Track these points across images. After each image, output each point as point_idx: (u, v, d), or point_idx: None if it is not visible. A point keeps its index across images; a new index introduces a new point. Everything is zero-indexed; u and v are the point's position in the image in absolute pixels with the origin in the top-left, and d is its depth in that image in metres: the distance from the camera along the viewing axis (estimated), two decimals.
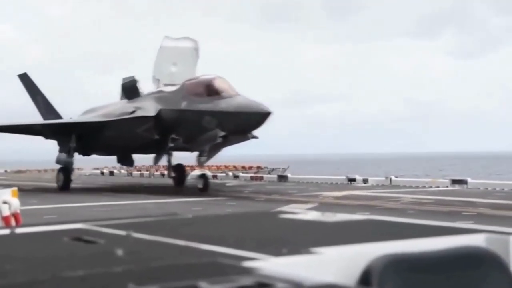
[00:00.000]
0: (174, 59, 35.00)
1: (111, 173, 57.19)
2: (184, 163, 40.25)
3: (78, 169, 68.19)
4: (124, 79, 42.55)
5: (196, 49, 35.60)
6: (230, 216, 4.42)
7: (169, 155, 38.26)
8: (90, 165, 70.60)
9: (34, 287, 1.96)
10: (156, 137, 32.82)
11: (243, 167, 56.17)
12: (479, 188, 31.11)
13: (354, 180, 36.81)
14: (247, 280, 1.85)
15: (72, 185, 35.83)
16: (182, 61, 35.03)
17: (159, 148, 34.50)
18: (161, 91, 34.01)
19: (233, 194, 30.39)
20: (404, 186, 33.47)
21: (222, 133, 30.03)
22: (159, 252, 2.64)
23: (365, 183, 36.11)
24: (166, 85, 34.19)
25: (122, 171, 58.48)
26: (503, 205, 22.63)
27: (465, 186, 32.32)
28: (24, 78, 47.45)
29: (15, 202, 12.93)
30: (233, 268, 2.11)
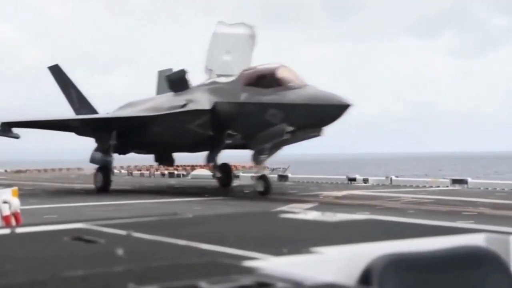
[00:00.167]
0: (228, 47, 31.40)
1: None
2: (180, 162, 40.27)
3: (78, 169, 68.62)
4: (161, 71, 40.29)
5: (252, 36, 31.64)
6: (230, 216, 4.42)
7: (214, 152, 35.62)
8: (90, 166, 70.59)
9: (34, 287, 1.95)
10: (210, 133, 30.08)
11: (243, 167, 56.14)
12: (479, 188, 31.11)
13: (354, 179, 36.80)
14: (248, 280, 1.85)
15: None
16: (236, 50, 31.36)
17: (213, 146, 31.62)
18: (215, 82, 30.92)
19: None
20: (405, 186, 33.46)
21: (290, 128, 27.07)
22: (160, 252, 2.64)
23: (365, 183, 36.10)
24: (219, 75, 31.07)
25: (122, 171, 58.50)
26: (503, 205, 22.62)
27: (465, 186, 32.32)
28: (55, 70, 44.37)
29: (15, 202, 12.94)
30: (234, 268, 2.11)
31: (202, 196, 28.43)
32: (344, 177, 37.54)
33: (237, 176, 45.40)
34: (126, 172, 57.62)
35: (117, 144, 33.38)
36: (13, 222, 12.48)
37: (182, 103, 31.10)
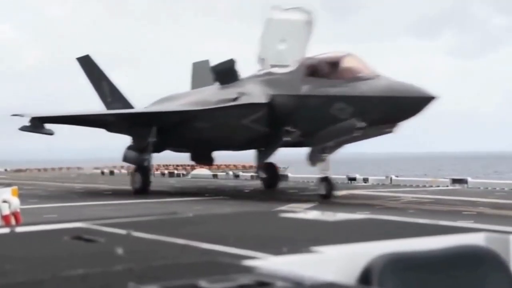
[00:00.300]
0: (283, 34, 27.70)
1: (111, 172, 57.22)
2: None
3: (78, 168, 68.66)
4: (195, 63, 38.13)
5: (309, 23, 27.80)
6: (230, 215, 4.42)
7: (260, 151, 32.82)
8: (90, 165, 70.70)
9: (34, 287, 1.96)
10: (266, 129, 27.35)
11: (243, 166, 56.15)
12: (479, 188, 31.12)
13: (354, 179, 36.81)
14: (247, 279, 1.85)
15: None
16: (292, 37, 27.62)
17: (268, 143, 28.58)
18: (270, 73, 27.86)
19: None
20: (405, 186, 33.47)
21: (361, 124, 24.28)
22: (159, 251, 2.64)
23: (365, 182, 36.12)
24: (272, 66, 27.85)
25: (123, 170, 58.49)
26: (503, 204, 22.64)
27: (465, 185, 32.33)
28: (85, 61, 40.96)
29: (15, 201, 12.95)
30: (233, 267, 2.11)
31: (202, 196, 28.44)
32: (344, 176, 37.53)
33: (237, 176, 45.46)
34: (126, 172, 57.64)
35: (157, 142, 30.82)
36: (13, 221, 12.48)
37: (233, 96, 28.46)
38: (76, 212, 21.18)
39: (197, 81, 36.56)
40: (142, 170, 30.92)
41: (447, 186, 32.90)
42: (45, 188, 35.73)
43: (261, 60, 28.01)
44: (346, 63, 25.47)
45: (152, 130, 30.35)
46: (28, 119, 30.57)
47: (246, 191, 32.61)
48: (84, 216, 11.31)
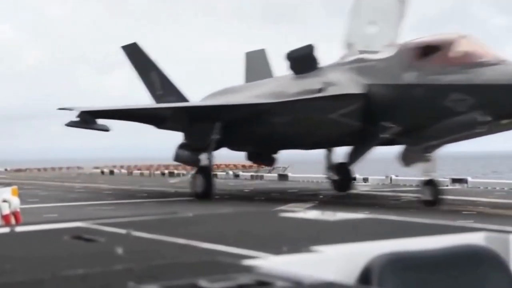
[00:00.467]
0: (373, 16, 24.51)
1: (111, 172, 57.25)
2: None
3: (78, 168, 68.69)
4: (249, 53, 35.61)
5: (403, 2, 24.46)
6: (229, 215, 4.42)
7: (331, 150, 30.10)
8: (90, 164, 70.72)
9: (34, 286, 1.95)
10: (359, 124, 23.67)
11: (244, 166, 56.15)
12: (479, 187, 31.14)
13: (354, 179, 36.76)
14: (247, 278, 1.85)
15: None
16: (384, 19, 24.39)
17: (361, 141, 25.21)
18: (361, 60, 24.32)
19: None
20: (404, 185, 33.47)
21: (486, 118, 20.47)
22: (159, 251, 2.64)
23: (365, 182, 36.10)
24: (361, 51, 24.50)
25: (123, 170, 58.54)
26: (503, 204, 22.66)
27: (465, 185, 32.33)
28: (132, 50, 36.79)
29: (15, 201, 12.96)
30: (233, 266, 2.11)
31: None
32: None
33: (237, 175, 45.46)
34: (126, 172, 57.68)
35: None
36: (13, 221, 12.49)
37: (316, 86, 24.74)
38: (76, 211, 21.19)
39: (252, 72, 33.67)
40: (205, 172, 27.51)
41: (447, 185, 32.87)
42: (45, 187, 35.73)
43: (348, 45, 24.95)
44: (461, 46, 21.40)
45: (215, 126, 27.12)
46: (77, 113, 27.29)
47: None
48: (84, 216, 11.31)
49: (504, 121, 20.88)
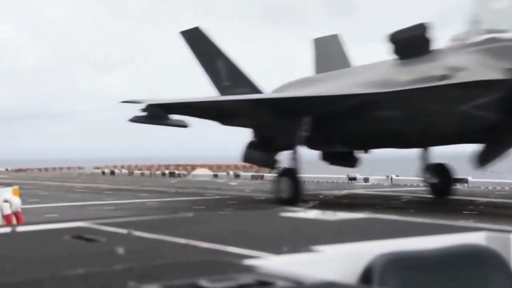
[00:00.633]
0: None
1: (112, 172, 57.28)
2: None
3: (79, 168, 68.72)
4: (317, 39, 31.88)
5: None
6: (230, 215, 4.42)
7: (427, 149, 26.79)
8: (90, 164, 70.76)
9: (35, 286, 1.95)
10: (496, 116, 20.00)
11: (244, 166, 56.19)
12: (479, 187, 31.13)
13: (354, 179, 36.81)
14: (248, 278, 1.85)
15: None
16: None
17: (499, 137, 20.99)
18: (495, 40, 20.55)
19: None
20: (405, 185, 33.46)
21: None
22: (160, 250, 2.64)
23: (366, 182, 36.11)
24: (489, 31, 20.86)
25: (123, 170, 58.60)
26: (503, 203, 22.65)
27: (465, 185, 32.32)
28: (193, 36, 32.11)
29: (16, 201, 12.98)
30: (234, 266, 2.11)
31: (203, 196, 28.44)
32: (345, 176, 37.52)
33: (238, 176, 45.47)
34: (126, 172, 57.73)
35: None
36: (14, 221, 12.50)
37: (437, 72, 21.03)
38: (77, 211, 21.19)
39: (324, 61, 30.23)
40: (291, 174, 23.98)
41: None
42: (46, 187, 35.73)
43: (475, 23, 21.63)
44: None
45: (303, 121, 23.50)
46: (143, 106, 24.19)
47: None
48: (84, 216, 11.30)
49: None
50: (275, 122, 24.54)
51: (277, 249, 2.48)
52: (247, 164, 56.59)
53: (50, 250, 2.75)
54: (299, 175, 24.25)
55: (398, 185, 33.46)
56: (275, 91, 29.16)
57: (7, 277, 2.13)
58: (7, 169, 67.34)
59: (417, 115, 21.33)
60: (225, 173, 47.75)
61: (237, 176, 45.53)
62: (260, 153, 25.53)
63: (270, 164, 25.68)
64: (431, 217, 4.07)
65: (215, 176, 46.29)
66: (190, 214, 3.99)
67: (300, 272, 2.01)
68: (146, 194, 29.36)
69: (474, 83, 19.89)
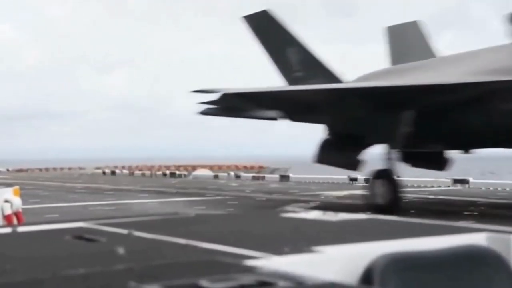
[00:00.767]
0: None
1: (113, 172, 57.30)
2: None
3: (79, 168, 68.74)
4: (391, 27, 28.87)
5: None
6: (231, 215, 4.42)
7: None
8: (91, 165, 70.77)
9: (35, 286, 1.95)
10: None
11: (245, 167, 56.22)
12: (480, 188, 31.14)
13: (356, 179, 36.80)
14: (248, 279, 1.85)
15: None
16: None
17: None
18: None
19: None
20: (406, 186, 33.46)
21: None
22: (160, 251, 2.63)
23: (366, 183, 36.07)
24: None
25: (124, 171, 58.64)
26: (504, 204, 22.64)
27: (466, 185, 32.35)
28: (260, 20, 28.42)
29: (17, 201, 12.97)
30: (235, 267, 2.11)
31: (203, 196, 28.44)
32: (346, 177, 37.51)
33: (239, 176, 45.46)
34: (127, 172, 57.76)
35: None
36: (15, 221, 12.50)
37: None
38: (78, 212, 21.19)
39: (401, 51, 27.52)
40: (388, 176, 21.22)
41: (449, 186, 32.91)
42: (47, 188, 35.73)
43: None
44: None
45: (404, 115, 20.36)
46: (217, 96, 21.66)
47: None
48: (85, 216, 11.29)
49: None
50: (370, 116, 21.21)
51: (278, 250, 2.47)
52: (248, 165, 56.54)
53: (51, 250, 2.75)
54: (397, 177, 21.44)
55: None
56: (358, 79, 25.66)
57: (8, 277, 2.13)
58: (7, 169, 67.42)
59: None
60: (225, 174, 47.76)
61: (237, 176, 45.54)
62: (339, 152, 22.78)
63: (353, 165, 22.87)
64: (432, 218, 4.07)
65: (216, 176, 46.31)
66: (191, 215, 3.99)
67: (301, 272, 2.01)
68: (146, 195, 29.35)
69: None
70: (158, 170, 56.18)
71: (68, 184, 39.66)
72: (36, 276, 2.08)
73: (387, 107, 20.43)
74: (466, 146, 23.12)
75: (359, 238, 2.80)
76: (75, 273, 2.05)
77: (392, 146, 21.28)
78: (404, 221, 3.55)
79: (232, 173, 48.00)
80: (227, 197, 28.06)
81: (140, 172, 55.81)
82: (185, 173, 51.31)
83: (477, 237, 2.87)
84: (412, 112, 20.28)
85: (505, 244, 2.81)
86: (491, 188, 30.86)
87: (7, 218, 12.56)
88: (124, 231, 3.08)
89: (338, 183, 36.26)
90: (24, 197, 14.17)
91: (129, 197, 27.76)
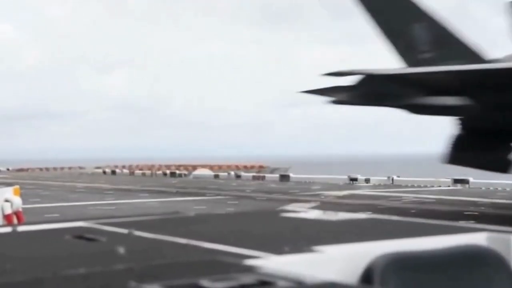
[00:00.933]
0: None
1: (113, 172, 57.32)
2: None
3: (80, 167, 68.76)
4: None
5: None
6: (231, 215, 4.42)
7: None
8: (92, 164, 70.80)
9: (35, 285, 1.95)
10: None
11: (245, 167, 56.22)
12: (480, 188, 31.14)
13: (356, 179, 36.84)
14: (249, 278, 1.85)
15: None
16: None
17: None
18: None
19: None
20: (406, 186, 33.47)
21: None
22: (161, 250, 2.63)
23: (367, 183, 36.10)
24: None
25: (124, 170, 58.68)
26: (504, 204, 22.64)
27: (466, 185, 32.35)
28: None
29: (17, 201, 12.98)
30: (235, 266, 2.11)
31: (204, 196, 28.44)
32: (346, 177, 37.52)
33: (239, 176, 45.46)
34: (128, 172, 57.78)
35: None
36: (15, 220, 12.50)
37: None
38: (78, 211, 21.19)
39: None
40: None
41: (449, 186, 32.91)
42: (47, 187, 35.73)
43: None
44: None
45: None
46: (359, 79, 18.78)
47: None
48: (85, 216, 11.29)
49: None
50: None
51: (278, 249, 2.47)
52: (249, 165, 56.57)
53: (51, 250, 2.74)
54: None
55: (399, 186, 33.46)
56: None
57: (8, 276, 2.13)
58: (8, 169, 67.45)
59: None
60: (226, 174, 47.76)
61: (238, 176, 45.54)
62: (482, 151, 19.49)
63: (501, 165, 19.44)
64: (432, 218, 4.08)
65: (216, 176, 46.30)
66: (192, 214, 3.99)
67: (301, 272, 2.01)
68: (147, 194, 29.35)
69: None
70: (159, 169, 56.20)
71: (68, 184, 39.67)
72: (36, 275, 2.08)
73: None
74: None
75: (359, 238, 2.79)
76: (75, 273, 2.05)
77: None
78: (404, 221, 3.55)
79: (232, 173, 48.01)
80: (227, 197, 28.06)
81: (141, 171, 55.84)
82: (186, 172, 51.31)
83: (477, 237, 2.87)
84: None
85: (505, 244, 2.81)
86: (491, 188, 30.84)
87: (7, 218, 12.56)
88: (124, 231, 3.07)
89: (338, 183, 36.27)
90: (24, 196, 14.18)
91: (129, 196, 27.76)
